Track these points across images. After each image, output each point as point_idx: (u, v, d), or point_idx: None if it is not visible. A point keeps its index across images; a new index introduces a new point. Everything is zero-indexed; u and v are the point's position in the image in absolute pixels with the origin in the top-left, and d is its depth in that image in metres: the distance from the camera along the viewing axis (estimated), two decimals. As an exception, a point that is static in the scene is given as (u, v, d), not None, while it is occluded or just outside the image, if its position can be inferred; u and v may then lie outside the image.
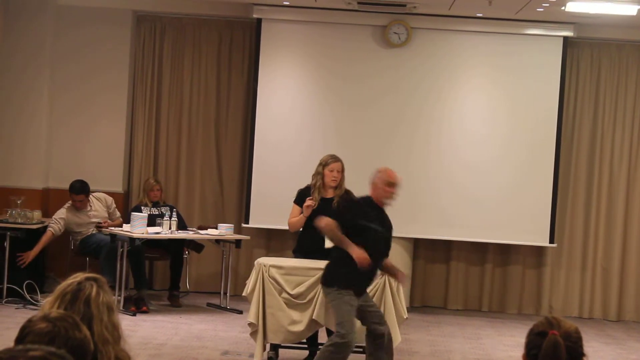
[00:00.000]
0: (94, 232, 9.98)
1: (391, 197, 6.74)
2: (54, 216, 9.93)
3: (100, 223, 10.00)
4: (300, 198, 7.64)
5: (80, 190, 9.97)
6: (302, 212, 7.55)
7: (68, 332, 2.43)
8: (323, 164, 7.60)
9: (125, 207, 10.73)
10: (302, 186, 7.74)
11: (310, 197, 7.52)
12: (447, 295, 11.00)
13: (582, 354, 2.92)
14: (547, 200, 10.56)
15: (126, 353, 2.96)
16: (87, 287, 2.95)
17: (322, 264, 7.19)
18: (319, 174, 7.58)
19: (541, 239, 10.61)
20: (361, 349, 7.31)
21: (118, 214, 10.25)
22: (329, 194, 7.58)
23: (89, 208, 10.05)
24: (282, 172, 10.41)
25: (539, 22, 10.47)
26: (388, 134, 10.61)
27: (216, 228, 9.92)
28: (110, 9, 10.72)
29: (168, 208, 10.17)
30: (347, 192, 7.66)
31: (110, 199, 10.28)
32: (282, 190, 10.38)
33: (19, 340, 2.43)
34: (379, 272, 6.96)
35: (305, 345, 7.58)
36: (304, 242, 7.63)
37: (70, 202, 10.00)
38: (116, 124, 10.82)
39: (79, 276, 3.00)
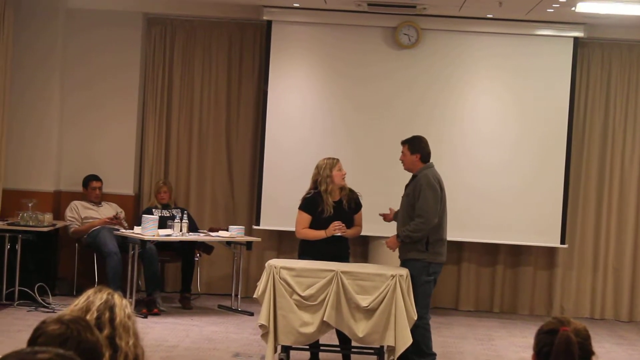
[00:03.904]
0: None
1: None
2: (69, 215, 10.15)
3: (117, 215, 10.10)
4: (309, 207, 7.54)
5: (97, 177, 10.37)
6: (314, 223, 7.51)
7: (81, 334, 2.43)
8: (329, 166, 7.50)
9: (136, 209, 10.75)
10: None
11: (337, 224, 7.48)
12: (459, 297, 10.99)
13: (591, 352, 2.93)
14: (558, 201, 10.54)
15: (142, 350, 2.99)
16: (109, 290, 3.01)
17: (333, 265, 7.20)
18: (327, 177, 7.48)
19: (552, 240, 10.59)
20: (372, 351, 7.32)
21: (125, 224, 10.23)
22: (336, 196, 7.56)
23: (101, 203, 10.31)
24: (293, 173, 10.40)
25: (550, 23, 10.46)
26: (399, 135, 10.51)
27: (227, 230, 9.92)
28: (120, 11, 10.74)
29: (179, 210, 10.19)
30: (352, 191, 7.66)
31: (121, 210, 10.34)
32: (292, 192, 10.36)
33: (31, 341, 2.43)
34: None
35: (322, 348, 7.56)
36: (314, 247, 7.60)
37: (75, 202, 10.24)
38: (127, 127, 10.84)
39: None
